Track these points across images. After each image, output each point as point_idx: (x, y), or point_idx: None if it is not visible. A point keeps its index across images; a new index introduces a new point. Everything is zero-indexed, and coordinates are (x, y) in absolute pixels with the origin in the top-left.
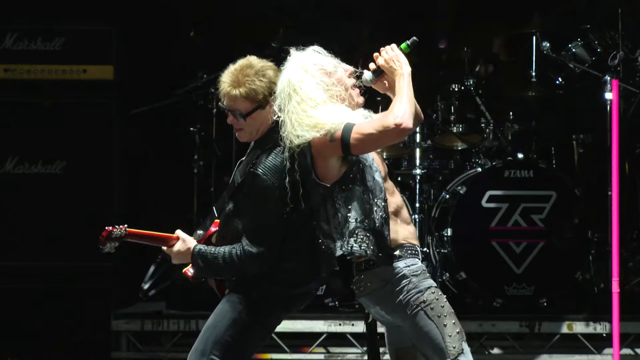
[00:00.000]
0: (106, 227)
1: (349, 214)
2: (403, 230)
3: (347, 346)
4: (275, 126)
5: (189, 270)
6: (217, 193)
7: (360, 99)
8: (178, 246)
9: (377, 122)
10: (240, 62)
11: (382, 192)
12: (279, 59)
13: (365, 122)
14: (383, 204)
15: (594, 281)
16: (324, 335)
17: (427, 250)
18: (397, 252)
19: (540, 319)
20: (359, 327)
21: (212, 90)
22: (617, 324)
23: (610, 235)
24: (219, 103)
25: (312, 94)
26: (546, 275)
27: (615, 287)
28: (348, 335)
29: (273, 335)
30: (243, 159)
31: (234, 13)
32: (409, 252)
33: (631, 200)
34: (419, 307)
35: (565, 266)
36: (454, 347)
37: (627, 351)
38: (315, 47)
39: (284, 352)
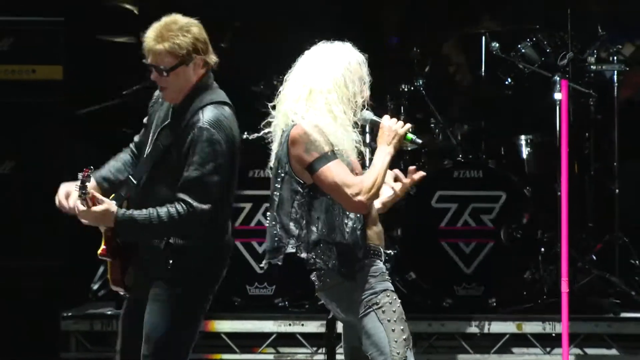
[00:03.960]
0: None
1: (313, 226)
2: (368, 232)
3: (297, 346)
4: (198, 89)
5: (103, 247)
6: None
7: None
8: (98, 206)
9: (346, 179)
10: (165, 19)
11: None
12: (228, 60)
13: (340, 168)
14: (358, 215)
15: (544, 281)
16: (274, 336)
17: (392, 252)
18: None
19: (490, 319)
20: (309, 327)
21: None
22: (566, 323)
23: (559, 235)
24: (143, 60)
25: (340, 89)
26: (496, 275)
27: (565, 287)
28: (298, 336)
29: (222, 335)
30: (158, 125)
31: (181, 12)
32: (370, 253)
33: (580, 200)
34: (371, 309)
35: (514, 266)
36: (398, 353)
37: (576, 351)
38: (363, 57)
39: (234, 352)
